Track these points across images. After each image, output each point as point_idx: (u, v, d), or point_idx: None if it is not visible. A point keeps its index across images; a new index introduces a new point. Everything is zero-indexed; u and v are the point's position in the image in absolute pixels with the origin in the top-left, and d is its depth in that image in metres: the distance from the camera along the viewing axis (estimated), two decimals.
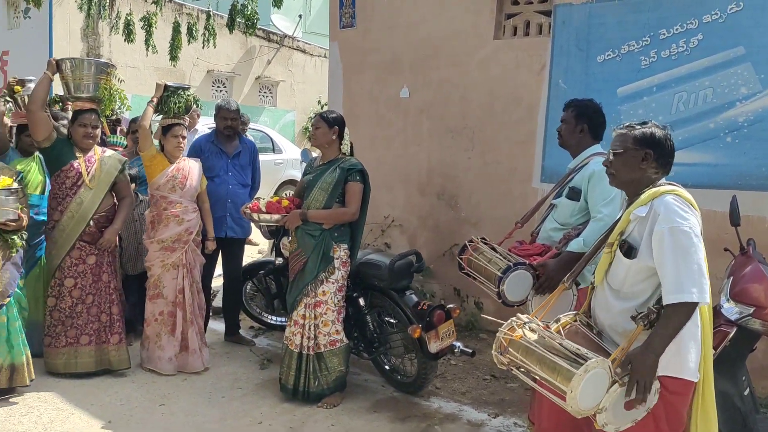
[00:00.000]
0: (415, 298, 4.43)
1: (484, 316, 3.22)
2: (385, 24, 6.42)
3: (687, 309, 2.42)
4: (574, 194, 3.60)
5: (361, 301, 4.58)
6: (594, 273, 2.82)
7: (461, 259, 3.69)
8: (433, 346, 4.18)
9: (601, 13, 5.11)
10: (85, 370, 4.59)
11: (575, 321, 2.72)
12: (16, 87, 5.06)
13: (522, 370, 2.57)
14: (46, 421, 3.95)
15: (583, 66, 5.20)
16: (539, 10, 5.53)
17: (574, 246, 3.40)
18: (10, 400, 4.18)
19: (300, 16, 19.82)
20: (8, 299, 4.12)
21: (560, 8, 5.30)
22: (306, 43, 20.35)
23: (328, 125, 4.32)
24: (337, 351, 4.33)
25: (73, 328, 4.59)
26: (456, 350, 4.35)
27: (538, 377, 2.50)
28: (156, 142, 4.94)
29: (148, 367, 4.81)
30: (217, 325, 5.72)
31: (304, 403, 4.32)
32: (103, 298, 4.68)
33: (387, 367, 4.66)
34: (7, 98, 5.23)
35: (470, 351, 4.33)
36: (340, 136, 4.36)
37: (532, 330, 2.58)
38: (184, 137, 4.89)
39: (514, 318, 2.65)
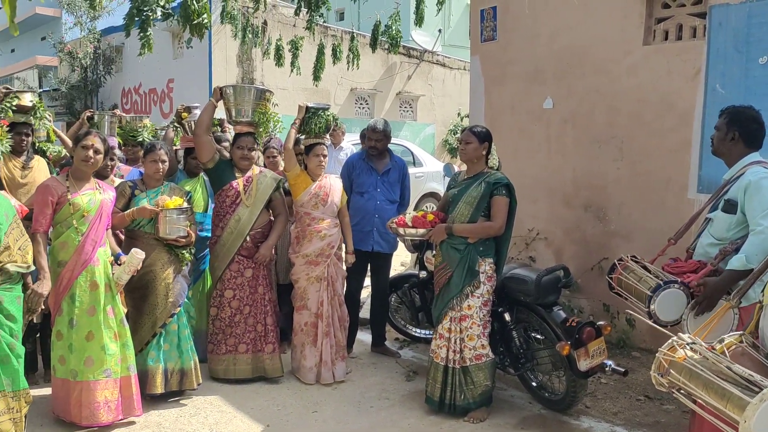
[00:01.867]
0: (563, 314, 4.33)
1: (650, 323, 3.07)
2: (526, 35, 6.35)
3: None
4: (730, 207, 3.38)
5: (507, 316, 4.54)
6: (764, 291, 2.63)
7: (611, 278, 3.57)
8: (583, 364, 4.06)
9: (761, 12, 4.75)
10: (242, 377, 4.88)
11: (741, 342, 2.54)
12: (183, 113, 5.51)
13: (683, 392, 2.44)
14: (211, 422, 4.24)
15: (743, 69, 4.86)
16: (692, 13, 5.24)
17: (736, 263, 3.17)
18: (180, 401, 4.53)
19: (440, 30, 20.02)
20: (179, 308, 4.48)
21: (716, 9, 4.99)
22: (445, 56, 20.53)
23: (479, 140, 4.33)
24: (483, 365, 4.31)
25: (232, 336, 4.89)
26: (607, 369, 4.18)
27: (701, 401, 2.36)
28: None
29: (296, 375, 5.03)
30: (364, 336, 5.88)
31: (450, 416, 4.34)
32: (259, 309, 4.95)
33: (534, 384, 4.57)
34: (176, 124, 5.70)
35: (622, 370, 4.15)
36: (488, 151, 4.36)
37: (694, 351, 2.44)
38: (325, 156, 5.07)
39: (675, 338, 2.52)
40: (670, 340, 2.52)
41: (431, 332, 5.44)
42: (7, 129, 4.86)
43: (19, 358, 3.62)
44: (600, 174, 5.78)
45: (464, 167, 4.61)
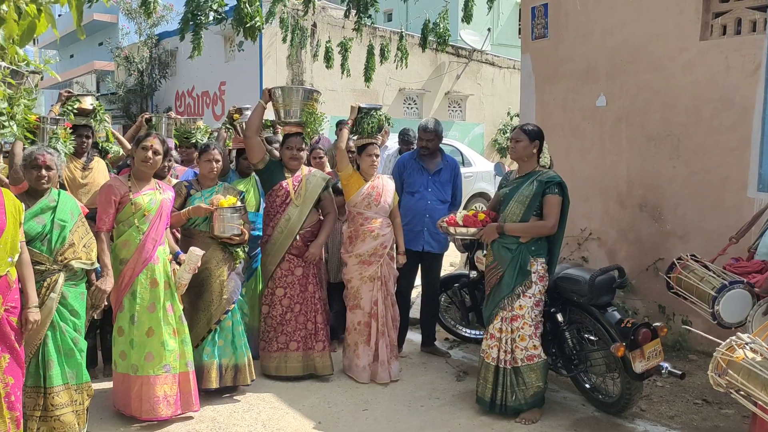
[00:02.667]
0: (617, 315, 4.25)
1: (696, 331, 3.00)
2: (579, 32, 6.27)
3: None
4: None
5: (560, 317, 4.49)
6: None
7: (669, 277, 3.50)
8: (639, 366, 3.99)
9: None
10: (293, 374, 4.94)
11: None
12: (234, 115, 5.61)
13: (742, 393, 2.38)
14: (264, 418, 4.31)
15: None
16: (752, 6, 5.10)
17: None
18: (234, 397, 4.62)
19: (489, 29, 19.89)
20: (233, 305, 4.57)
21: None
22: (495, 55, 20.39)
23: (529, 139, 4.30)
24: (535, 366, 4.27)
25: (283, 334, 4.96)
26: (663, 371, 4.10)
27: (760, 402, 2.30)
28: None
29: (348, 373, 5.06)
30: (414, 336, 5.89)
31: (501, 416, 4.31)
32: (309, 308, 5.01)
33: (587, 386, 4.51)
34: (228, 125, 5.81)
35: (679, 373, 4.06)
36: (540, 150, 4.32)
37: (754, 351, 2.38)
38: (377, 156, 5.09)
39: (733, 337, 2.47)
40: (728, 340, 2.47)
41: (481, 332, 5.43)
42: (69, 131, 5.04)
43: (82, 353, 3.77)
44: (655, 173, 5.66)
45: (514, 167, 4.58)
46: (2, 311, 3.27)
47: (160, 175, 4.66)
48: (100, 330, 4.99)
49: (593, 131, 6.16)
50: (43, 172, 3.68)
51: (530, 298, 4.23)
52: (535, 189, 4.21)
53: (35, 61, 3.50)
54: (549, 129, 6.26)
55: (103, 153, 5.50)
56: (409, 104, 19.00)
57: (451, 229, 4.55)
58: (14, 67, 3.28)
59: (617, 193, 5.97)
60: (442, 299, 5.85)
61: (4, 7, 1.85)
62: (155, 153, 4.18)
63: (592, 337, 4.39)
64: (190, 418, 4.26)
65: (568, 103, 6.39)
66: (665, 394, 4.72)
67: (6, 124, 3.21)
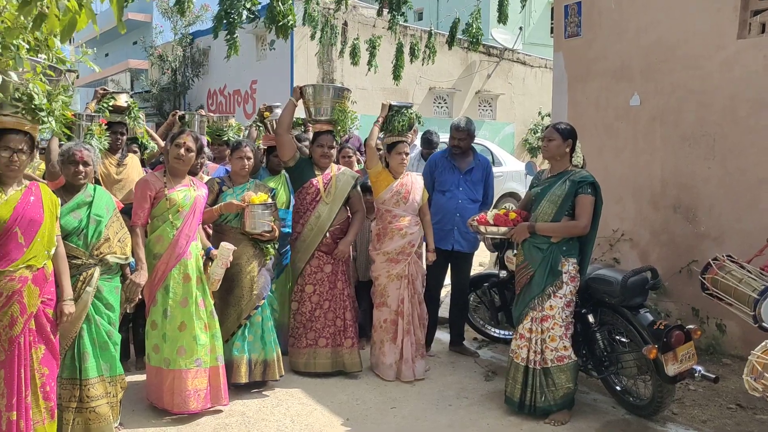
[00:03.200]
0: (650, 316, 4.19)
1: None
2: (613, 30, 6.19)
3: None
4: None
5: (591, 318, 4.44)
6: None
7: (704, 278, 3.43)
8: (671, 369, 3.93)
9: None
10: (322, 371, 4.97)
11: None
12: (265, 113, 5.66)
13: None
14: (293, 413, 4.34)
15: None
16: None
17: None
18: (263, 392, 4.65)
19: (521, 28, 19.76)
20: (263, 301, 4.61)
21: None
22: (526, 54, 20.26)
23: (562, 138, 4.26)
24: (565, 367, 4.23)
25: (312, 331, 4.98)
26: (696, 375, 4.04)
27: None
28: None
29: (375, 371, 5.07)
30: (443, 335, 5.87)
31: (530, 417, 4.28)
32: (338, 304, 5.03)
33: (618, 388, 4.45)
34: (258, 123, 5.85)
35: (713, 376, 3.99)
36: (572, 149, 4.28)
37: None
38: (407, 153, 5.08)
39: None
40: (764, 343, 2.43)
41: (510, 333, 5.40)
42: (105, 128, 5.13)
43: (116, 345, 3.83)
44: (689, 173, 5.57)
45: (545, 166, 4.54)
46: (39, 303, 3.34)
47: (192, 172, 4.71)
48: (133, 323, 5.07)
49: (626, 130, 6.08)
50: (80, 167, 3.75)
51: (561, 298, 4.19)
52: (568, 188, 4.17)
53: (71, 60, 3.56)
54: (581, 128, 6.19)
55: (143, 149, 5.59)
56: (439, 103, 18.96)
57: (482, 228, 4.53)
58: (53, 64, 3.34)
59: (651, 194, 5.89)
60: (471, 299, 5.83)
61: (46, 3, 1.89)
62: (188, 150, 4.23)
63: (623, 339, 4.34)
64: (220, 411, 4.31)
65: (601, 102, 6.32)
66: (698, 398, 4.64)
67: (45, 119, 3.27)
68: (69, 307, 3.49)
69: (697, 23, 5.49)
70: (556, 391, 4.23)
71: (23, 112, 3.26)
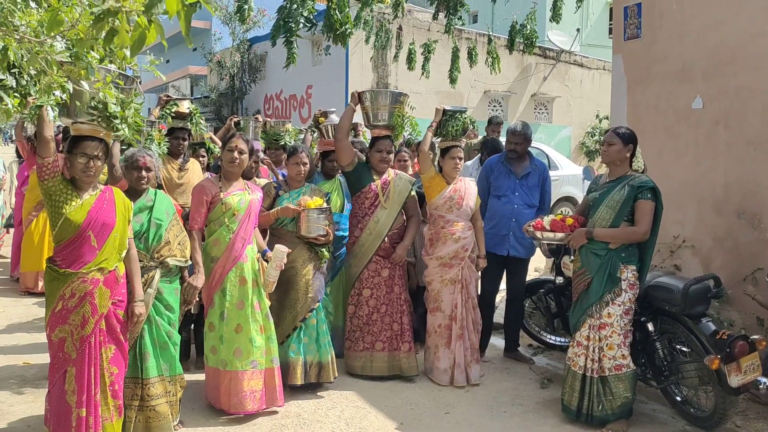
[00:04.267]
0: (712, 326, 4.08)
1: None
2: (674, 32, 6.04)
3: None
4: None
5: (650, 326, 4.35)
6: None
7: None
8: (734, 380, 3.81)
9: None
10: (378, 374, 4.99)
11: None
12: (320, 118, 5.73)
13: None
14: (347, 416, 4.38)
15: None
16: None
17: None
18: (318, 394, 4.71)
19: (578, 29, 19.46)
20: (318, 304, 4.67)
21: None
22: (583, 56, 19.92)
23: (623, 142, 4.19)
24: (623, 376, 4.15)
25: (369, 334, 5.01)
26: (761, 386, 3.92)
27: None
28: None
29: (429, 376, 5.07)
30: (497, 341, 5.83)
31: (587, 426, 4.22)
32: (395, 309, 5.05)
33: (678, 398, 4.34)
34: (314, 128, 5.93)
35: None
36: (633, 154, 4.20)
37: None
38: (461, 158, 5.08)
39: None
40: None
41: (566, 340, 5.33)
42: (165, 133, 5.29)
43: (175, 346, 3.94)
44: (755, 179, 5.38)
45: (603, 170, 4.47)
46: (110, 304, 3.47)
47: (247, 176, 4.81)
48: (195, 324, 5.20)
49: (688, 134, 5.92)
50: (143, 173, 3.88)
51: (619, 306, 4.12)
52: (627, 194, 4.10)
53: (135, 66, 3.69)
54: (641, 132, 6.06)
55: (210, 153, 5.75)
56: (495, 107, 18.81)
57: (538, 234, 4.49)
58: (123, 71, 3.48)
59: (713, 199, 5.72)
60: (527, 305, 5.77)
61: (118, 18, 1.98)
62: (240, 153, 4.32)
63: (684, 348, 4.23)
64: (275, 413, 4.37)
65: (662, 105, 6.17)
66: (763, 410, 4.48)
67: (119, 127, 3.40)
68: (140, 308, 3.61)
69: (761, 23, 5.31)
70: (614, 400, 4.15)
71: (98, 119, 3.40)
